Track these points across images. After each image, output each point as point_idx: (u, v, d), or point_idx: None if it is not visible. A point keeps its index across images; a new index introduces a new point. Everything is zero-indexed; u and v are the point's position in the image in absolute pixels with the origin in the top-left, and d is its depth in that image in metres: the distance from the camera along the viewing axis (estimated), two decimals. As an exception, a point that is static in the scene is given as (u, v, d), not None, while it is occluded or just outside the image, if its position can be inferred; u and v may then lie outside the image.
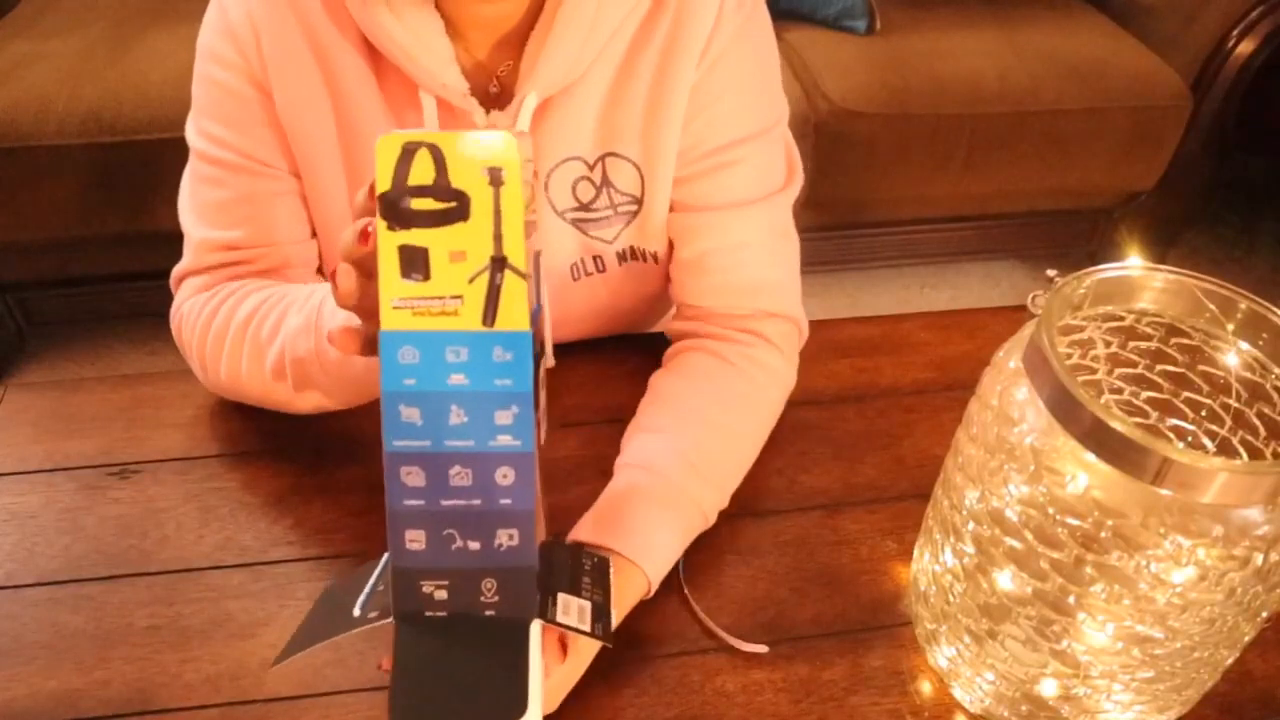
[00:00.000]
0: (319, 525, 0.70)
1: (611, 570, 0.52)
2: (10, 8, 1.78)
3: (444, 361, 0.42)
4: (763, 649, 0.63)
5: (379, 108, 0.69)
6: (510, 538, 0.44)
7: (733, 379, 0.72)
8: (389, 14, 0.65)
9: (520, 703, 0.43)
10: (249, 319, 0.69)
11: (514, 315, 0.42)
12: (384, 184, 0.41)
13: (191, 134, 0.72)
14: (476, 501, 0.43)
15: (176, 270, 0.74)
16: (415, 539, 0.43)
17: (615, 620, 0.58)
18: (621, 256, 0.77)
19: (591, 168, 0.72)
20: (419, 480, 0.43)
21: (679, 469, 0.66)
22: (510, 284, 0.42)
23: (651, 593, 0.64)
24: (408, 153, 0.41)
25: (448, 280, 0.41)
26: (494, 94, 0.70)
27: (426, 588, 0.44)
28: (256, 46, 0.68)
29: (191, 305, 0.72)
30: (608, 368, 0.82)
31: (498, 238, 0.41)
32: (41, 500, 0.71)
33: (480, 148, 0.41)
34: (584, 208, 0.73)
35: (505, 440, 0.43)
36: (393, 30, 0.65)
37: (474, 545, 0.43)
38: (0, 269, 1.69)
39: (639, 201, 0.74)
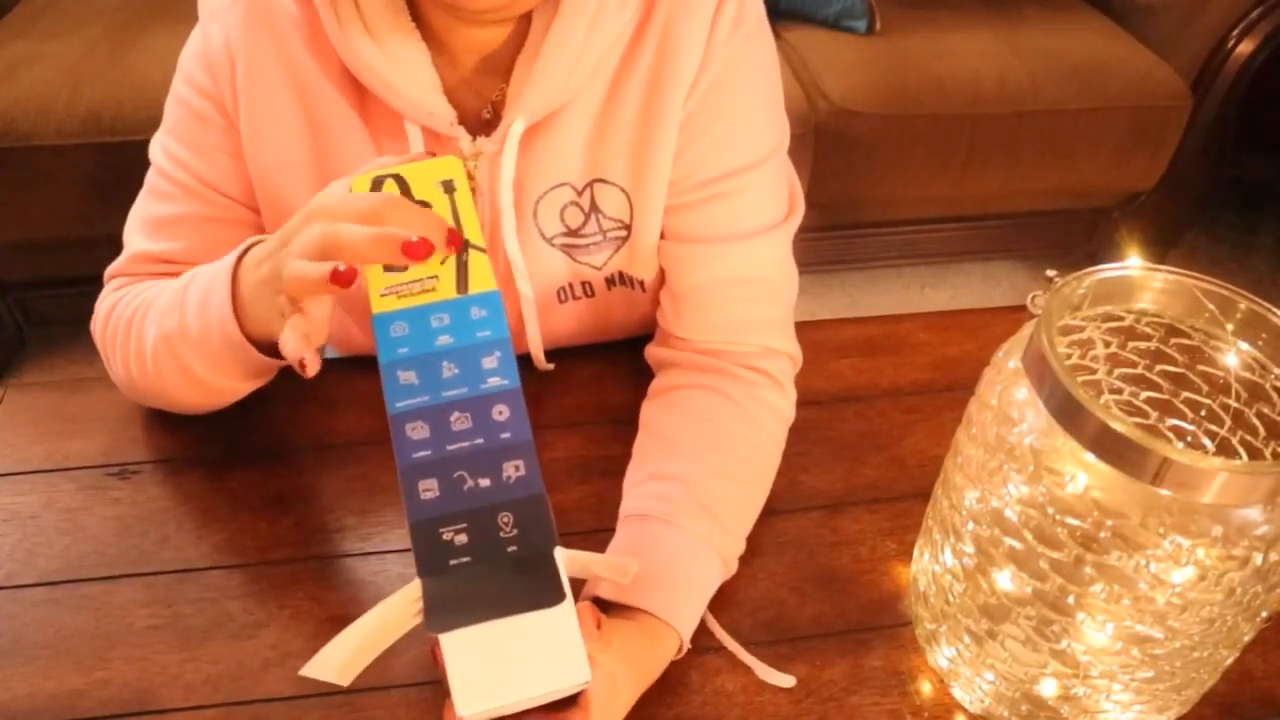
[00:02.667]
0: (319, 525, 0.70)
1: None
2: (10, 8, 1.78)
3: (430, 328, 0.48)
4: (790, 681, 0.62)
5: (362, 140, 0.68)
6: (517, 469, 0.46)
7: (741, 424, 0.69)
8: (371, 45, 0.64)
9: (577, 666, 0.45)
10: (137, 309, 0.69)
11: (482, 280, 0.49)
12: None
13: (154, 149, 0.72)
14: (480, 440, 0.46)
15: (107, 270, 0.75)
16: (428, 488, 0.45)
17: (646, 684, 0.60)
18: (610, 282, 0.76)
19: (580, 193, 0.71)
20: (424, 433, 0.46)
21: (703, 523, 0.64)
22: (475, 258, 0.50)
23: (684, 652, 0.62)
24: (377, 183, 0.51)
25: (422, 267, 0.49)
26: (487, 119, 0.69)
27: (446, 535, 0.45)
28: (231, 77, 0.67)
29: (105, 302, 0.73)
30: (608, 368, 0.82)
31: (458, 227, 0.50)
32: (41, 500, 0.71)
33: (432, 168, 0.52)
34: (573, 233, 0.72)
35: (495, 381, 0.47)
36: (374, 61, 0.64)
37: (485, 482, 0.46)
38: (0, 269, 1.69)
39: (628, 228, 0.72)
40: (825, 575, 0.69)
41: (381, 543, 0.69)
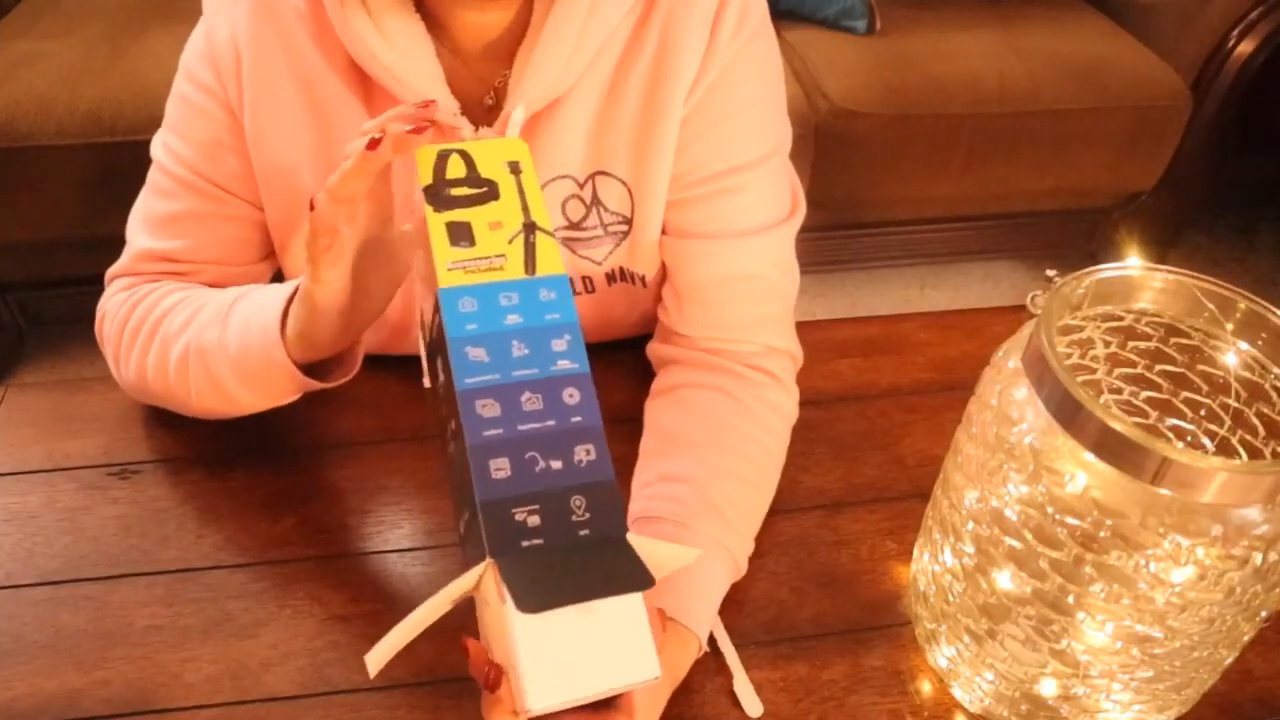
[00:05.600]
0: (319, 525, 0.70)
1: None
2: (10, 8, 1.78)
3: (499, 306, 0.48)
4: (758, 710, 0.61)
5: None
6: (588, 453, 0.46)
7: (747, 423, 0.70)
8: (375, 34, 0.64)
9: (648, 662, 0.45)
10: (162, 316, 0.69)
11: (550, 263, 0.49)
12: (426, 179, 0.50)
13: (156, 146, 0.72)
14: (551, 422, 0.46)
15: (110, 271, 0.75)
16: (500, 467, 0.45)
17: (672, 690, 0.59)
18: (610, 278, 0.76)
19: (581, 186, 0.71)
20: (494, 411, 0.46)
21: (714, 524, 0.64)
22: (542, 240, 0.50)
23: (702, 653, 0.62)
24: (442, 157, 0.50)
25: (491, 244, 0.49)
26: (489, 106, 0.70)
27: (519, 515, 0.44)
28: (236, 71, 0.67)
29: (114, 302, 0.73)
30: (608, 368, 0.82)
31: (525, 209, 0.50)
32: (41, 500, 0.71)
33: (499, 148, 0.51)
34: (574, 226, 0.72)
35: (565, 364, 0.47)
36: (378, 50, 0.64)
37: (556, 464, 0.45)
38: (0, 269, 1.69)
39: (629, 222, 0.72)
40: (825, 575, 0.69)
41: (382, 543, 0.69)
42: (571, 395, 0.47)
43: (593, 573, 0.44)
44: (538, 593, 0.43)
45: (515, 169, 0.51)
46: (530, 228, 0.50)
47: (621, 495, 0.46)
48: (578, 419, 0.46)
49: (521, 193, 0.50)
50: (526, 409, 0.46)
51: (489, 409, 0.45)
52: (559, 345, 0.47)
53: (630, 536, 0.46)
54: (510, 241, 0.49)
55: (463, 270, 0.48)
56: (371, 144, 0.51)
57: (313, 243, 0.54)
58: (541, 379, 0.47)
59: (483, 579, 0.45)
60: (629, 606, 0.45)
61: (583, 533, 0.45)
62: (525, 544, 0.44)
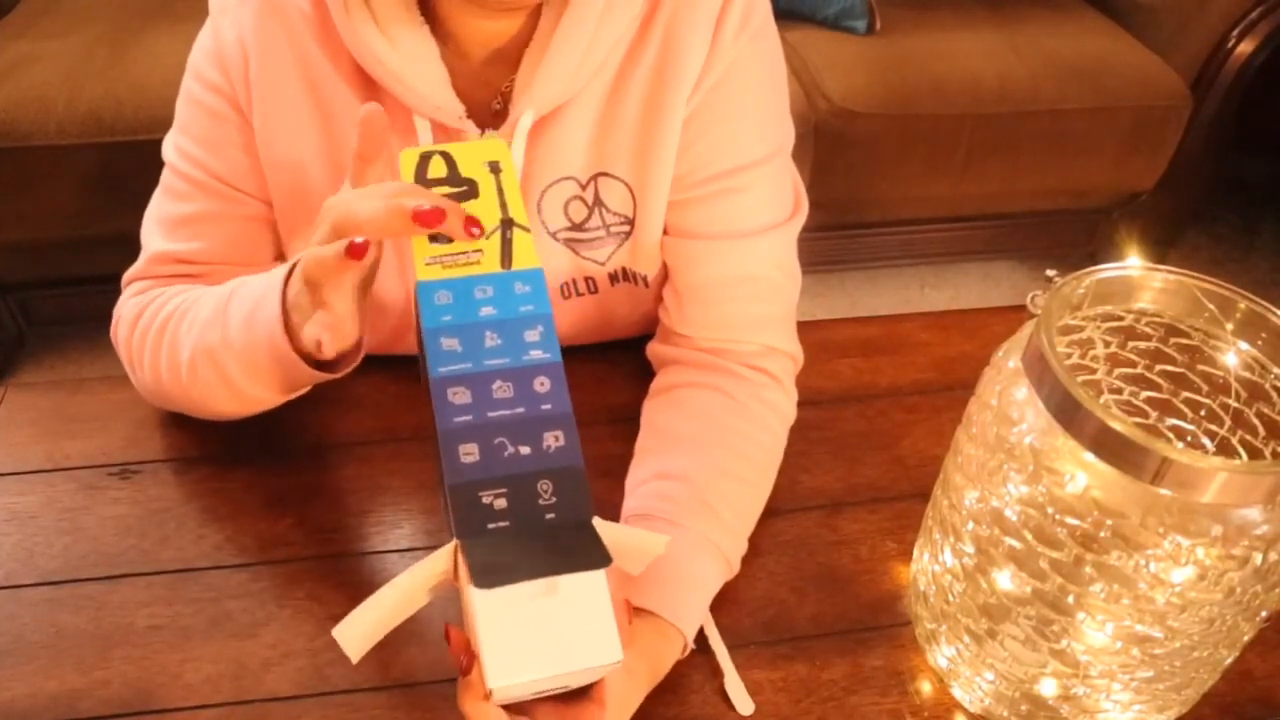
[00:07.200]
0: (319, 525, 0.70)
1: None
2: (10, 8, 1.78)
3: (474, 298, 0.49)
4: (749, 708, 0.61)
5: None
6: (557, 439, 0.47)
7: (743, 422, 0.70)
8: (380, 39, 0.64)
9: (610, 645, 0.46)
10: (168, 318, 0.68)
11: (525, 257, 0.51)
12: (408, 179, 0.51)
13: (168, 148, 0.72)
14: (520, 409, 0.47)
15: (126, 275, 0.74)
16: (469, 451, 0.46)
17: (655, 683, 0.60)
18: (613, 278, 0.76)
19: (584, 187, 0.71)
20: (465, 398, 0.47)
21: (707, 522, 0.64)
22: (519, 236, 0.51)
23: (688, 652, 0.62)
24: (424, 158, 0.52)
25: (467, 241, 0.50)
26: (496, 110, 0.70)
27: (486, 498, 0.46)
28: (244, 71, 0.67)
29: (128, 307, 0.72)
30: (609, 368, 0.82)
31: (503, 206, 0.51)
32: (41, 500, 0.71)
33: (479, 149, 0.53)
34: (576, 228, 0.72)
35: (537, 354, 0.49)
36: (383, 55, 0.64)
37: (525, 450, 0.47)
38: (0, 269, 1.69)
39: (631, 222, 0.72)
40: (825, 575, 0.69)
41: (381, 543, 0.69)
42: (542, 384, 0.48)
43: (551, 552, 0.45)
44: (495, 570, 0.44)
45: (495, 169, 0.52)
46: (507, 224, 0.51)
47: (589, 481, 0.47)
48: (547, 406, 0.48)
49: (500, 191, 0.52)
50: (497, 396, 0.47)
51: (460, 396, 0.47)
52: (532, 336, 0.49)
53: (597, 521, 0.47)
54: (488, 237, 0.50)
55: (440, 265, 0.49)
56: (353, 250, 0.50)
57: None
58: (513, 368, 0.48)
59: (458, 562, 0.46)
60: (591, 588, 0.46)
61: (549, 516, 0.46)
62: (491, 526, 0.45)
